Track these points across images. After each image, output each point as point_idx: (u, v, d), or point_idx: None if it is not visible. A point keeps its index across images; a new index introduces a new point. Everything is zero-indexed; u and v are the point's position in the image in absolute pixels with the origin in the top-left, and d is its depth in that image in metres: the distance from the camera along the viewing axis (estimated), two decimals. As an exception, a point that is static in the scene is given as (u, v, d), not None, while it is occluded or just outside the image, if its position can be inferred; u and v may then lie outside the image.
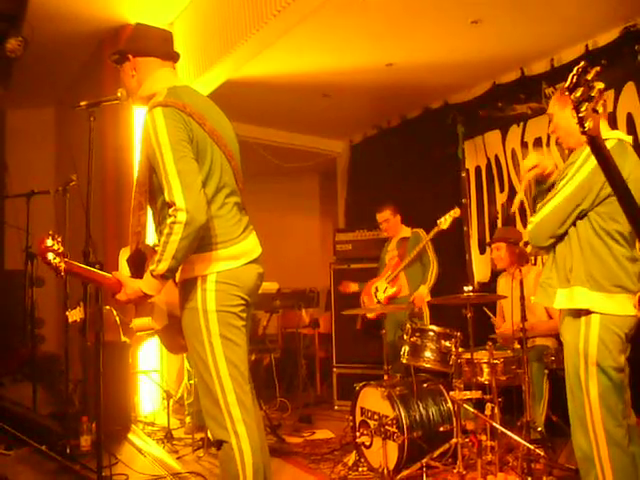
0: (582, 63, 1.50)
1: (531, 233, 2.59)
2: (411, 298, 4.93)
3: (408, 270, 5.10)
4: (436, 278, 5.01)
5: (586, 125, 1.50)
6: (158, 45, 2.48)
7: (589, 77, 1.48)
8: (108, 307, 4.71)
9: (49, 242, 2.18)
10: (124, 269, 2.35)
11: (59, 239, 2.21)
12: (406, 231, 5.23)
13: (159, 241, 2.20)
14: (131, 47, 2.47)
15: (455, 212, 4.80)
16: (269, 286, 4.85)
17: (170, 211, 2.16)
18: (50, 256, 2.18)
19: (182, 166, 2.19)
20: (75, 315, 3.77)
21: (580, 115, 1.50)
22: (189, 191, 2.16)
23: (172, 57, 2.53)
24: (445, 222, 4.82)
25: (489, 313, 4.22)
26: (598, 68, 1.49)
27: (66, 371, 4.22)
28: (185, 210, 2.13)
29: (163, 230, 2.18)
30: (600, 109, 2.42)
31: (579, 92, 1.48)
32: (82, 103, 2.83)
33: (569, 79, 1.49)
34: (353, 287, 5.51)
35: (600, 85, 1.50)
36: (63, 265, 2.20)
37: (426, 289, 4.92)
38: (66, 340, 4.18)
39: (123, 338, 4.87)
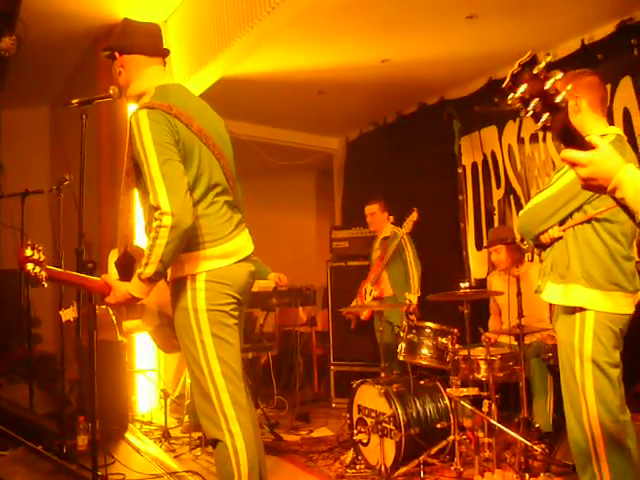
0: (526, 54, 1.31)
1: (520, 221, 2.58)
2: (404, 308, 4.83)
3: (389, 271, 5.10)
4: (419, 280, 4.97)
5: (542, 119, 1.34)
6: (145, 42, 2.45)
7: (536, 70, 1.30)
8: (104, 306, 4.69)
9: (28, 252, 2.16)
10: (113, 272, 2.33)
11: (40, 247, 2.19)
12: (388, 230, 5.18)
13: (146, 244, 2.19)
14: (117, 44, 2.46)
15: (413, 216, 4.78)
16: (265, 284, 4.83)
17: (156, 214, 2.15)
18: (29, 266, 2.16)
19: (167, 169, 2.18)
20: (68, 314, 3.75)
21: (529, 115, 1.34)
22: (174, 194, 2.15)
23: (160, 53, 2.51)
24: (405, 227, 4.83)
25: (481, 330, 4.18)
26: (549, 57, 1.33)
27: (62, 371, 4.21)
28: (170, 213, 2.12)
29: (150, 234, 2.18)
30: (572, 102, 2.40)
31: (522, 88, 1.31)
32: (74, 101, 2.81)
33: (507, 78, 1.31)
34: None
35: (557, 74, 1.32)
36: (44, 274, 2.18)
37: (413, 296, 4.85)
38: (61, 340, 4.17)
39: (119, 337, 4.85)
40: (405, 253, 5.04)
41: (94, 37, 5.80)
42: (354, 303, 5.31)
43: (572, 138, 1.38)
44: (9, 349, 5.29)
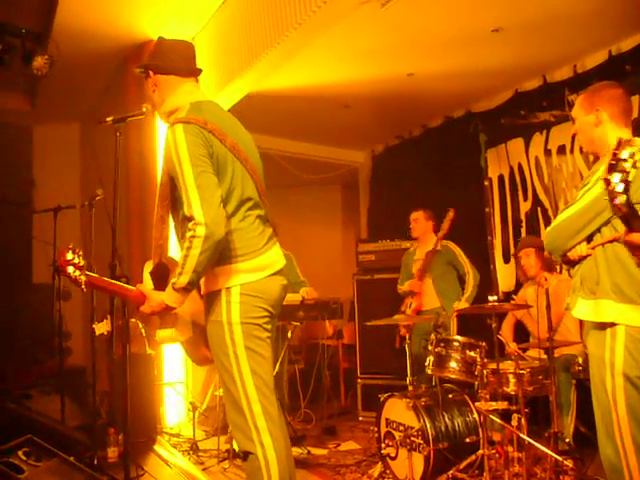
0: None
1: (547, 238, 2.56)
2: (450, 311, 4.85)
3: (438, 283, 5.06)
4: (476, 288, 4.95)
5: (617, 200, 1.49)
6: (179, 63, 2.51)
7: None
8: (134, 320, 4.76)
9: (69, 256, 2.21)
10: (148, 282, 2.38)
11: (80, 252, 2.24)
12: (433, 241, 5.10)
13: (180, 254, 2.23)
14: (152, 64, 2.51)
15: (450, 216, 4.88)
16: (292, 297, 4.86)
17: (190, 225, 2.19)
18: (70, 269, 2.21)
19: (201, 181, 2.22)
20: (102, 328, 3.81)
21: (610, 188, 1.50)
22: (208, 205, 2.19)
23: (193, 73, 2.56)
24: (443, 229, 4.90)
25: (502, 338, 4.15)
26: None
27: (93, 383, 4.26)
28: (204, 224, 2.16)
29: (183, 244, 2.22)
30: (592, 116, 2.48)
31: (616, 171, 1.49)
32: (108, 119, 2.88)
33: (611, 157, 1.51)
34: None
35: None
36: (84, 278, 2.23)
37: (465, 302, 4.82)
38: (93, 353, 4.23)
39: (148, 350, 4.91)
40: (460, 261, 5.04)
41: (124, 56, 5.91)
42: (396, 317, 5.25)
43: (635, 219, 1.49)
44: (40, 362, 5.38)
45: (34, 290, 5.93)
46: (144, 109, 2.71)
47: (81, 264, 2.24)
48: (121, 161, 3.03)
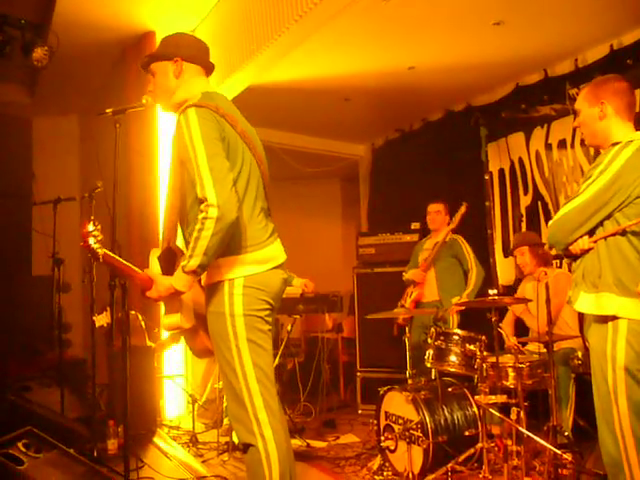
0: None
1: (550, 231, 2.56)
2: (447, 305, 4.84)
3: (440, 275, 5.05)
4: (478, 285, 4.93)
5: None
6: (203, 56, 2.57)
7: None
8: (134, 312, 4.76)
9: (90, 227, 2.20)
10: (154, 268, 2.36)
11: (99, 227, 2.23)
12: (446, 234, 5.09)
13: (190, 238, 2.22)
14: (182, 52, 2.51)
15: (462, 210, 4.90)
16: (292, 290, 4.86)
17: (202, 207, 2.18)
18: (91, 240, 2.20)
19: (214, 163, 2.22)
20: (102, 320, 3.81)
21: None
22: (221, 187, 2.19)
23: (210, 69, 2.61)
24: (454, 222, 4.93)
25: (502, 331, 4.15)
26: None
27: (93, 375, 4.27)
28: (217, 206, 2.15)
29: (195, 226, 2.20)
30: (597, 108, 2.48)
31: None
32: (108, 110, 2.87)
33: None
34: None
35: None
36: (102, 252, 2.22)
37: (465, 298, 4.79)
38: (93, 345, 4.23)
39: (148, 343, 4.91)
40: (465, 256, 5.03)
41: (124, 47, 5.90)
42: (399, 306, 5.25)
43: None
44: (40, 354, 5.38)
45: (34, 282, 5.92)
46: (144, 101, 2.69)
47: (100, 238, 2.22)
48: (121, 153, 3.02)
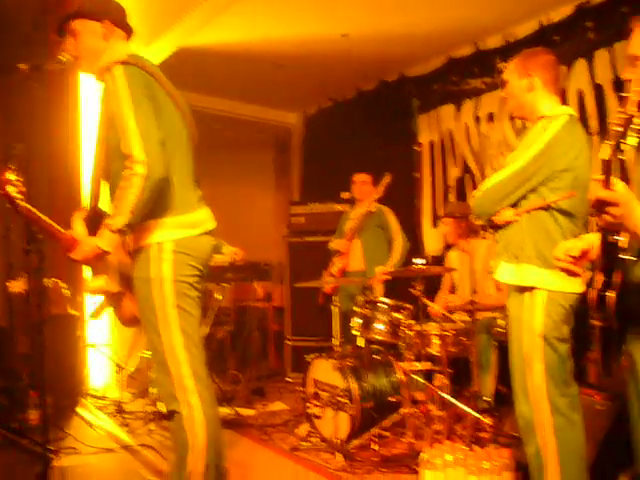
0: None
1: (474, 203, 2.61)
2: (371, 274, 4.87)
3: (366, 245, 5.09)
4: (403, 256, 5.00)
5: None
6: (126, 19, 2.49)
7: None
8: (55, 279, 4.59)
9: (11, 176, 2.11)
10: (79, 230, 2.26)
11: (21, 179, 2.13)
12: (373, 205, 5.11)
13: (116, 195, 2.15)
14: (112, 14, 2.42)
15: (386, 179, 4.92)
16: (222, 258, 4.79)
17: (127, 163, 2.11)
18: (10, 189, 2.11)
19: (141, 119, 2.15)
20: (17, 286, 3.66)
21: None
22: (148, 144, 2.12)
23: (131, 33, 2.53)
24: (378, 192, 4.95)
25: (428, 302, 4.24)
26: None
27: (13, 344, 4.13)
28: (143, 162, 2.09)
29: (120, 183, 2.12)
30: (525, 80, 2.51)
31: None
32: (21, 66, 2.70)
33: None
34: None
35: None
36: (22, 203, 2.12)
37: (390, 268, 4.83)
38: (10, 312, 4.08)
39: (71, 311, 4.77)
40: (390, 226, 5.07)
41: (43, 5, 5.58)
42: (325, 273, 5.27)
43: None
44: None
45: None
46: (63, 58, 2.55)
47: (21, 188, 2.13)
48: (40, 114, 2.88)
